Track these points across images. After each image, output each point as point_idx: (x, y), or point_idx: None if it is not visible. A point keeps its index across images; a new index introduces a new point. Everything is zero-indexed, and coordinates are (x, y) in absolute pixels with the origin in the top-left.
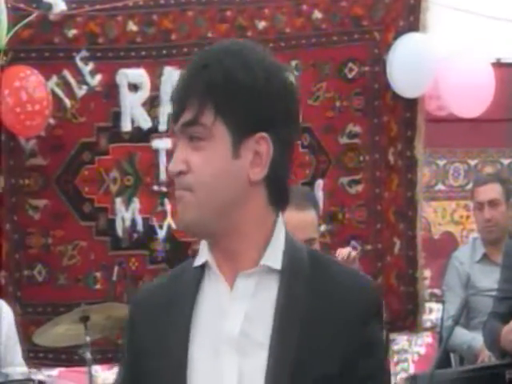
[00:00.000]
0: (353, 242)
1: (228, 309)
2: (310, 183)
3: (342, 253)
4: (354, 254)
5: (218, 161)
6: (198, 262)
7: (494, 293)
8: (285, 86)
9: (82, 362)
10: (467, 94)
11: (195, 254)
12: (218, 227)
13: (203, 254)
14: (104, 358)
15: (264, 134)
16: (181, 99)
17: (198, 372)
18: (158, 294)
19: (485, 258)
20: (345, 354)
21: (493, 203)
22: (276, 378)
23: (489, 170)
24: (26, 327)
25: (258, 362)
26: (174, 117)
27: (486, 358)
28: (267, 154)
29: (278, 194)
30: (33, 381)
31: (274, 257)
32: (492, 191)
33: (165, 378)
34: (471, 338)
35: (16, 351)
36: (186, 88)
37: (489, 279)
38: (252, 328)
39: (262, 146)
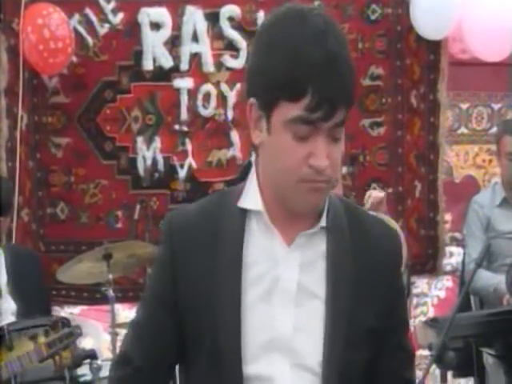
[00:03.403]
0: (373, 185)
1: (282, 259)
2: None
3: (376, 194)
4: (381, 195)
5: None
6: (246, 204)
7: None
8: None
9: (103, 301)
10: (491, 37)
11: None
12: None
13: (253, 201)
14: (125, 297)
15: None
16: (333, 102)
17: (253, 315)
18: (200, 225)
19: (505, 201)
20: (386, 303)
21: None
22: (334, 328)
23: None
24: (49, 265)
25: (313, 312)
26: (326, 117)
27: (507, 301)
28: None
29: None
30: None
31: (323, 217)
32: None
33: (218, 315)
34: (498, 281)
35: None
36: (337, 90)
37: (509, 223)
38: (307, 279)
39: None
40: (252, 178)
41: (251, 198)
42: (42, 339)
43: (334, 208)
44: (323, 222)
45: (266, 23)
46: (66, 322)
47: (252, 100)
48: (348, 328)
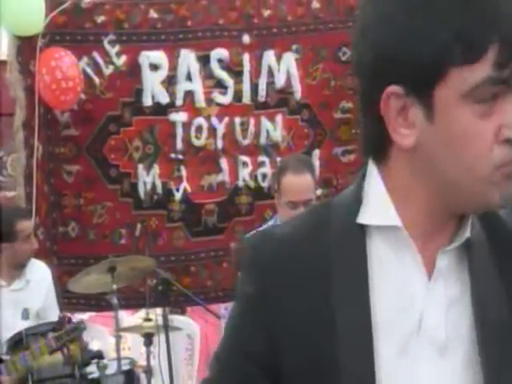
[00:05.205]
0: None
1: (423, 294)
2: (308, 153)
3: None
4: None
5: None
6: (373, 220)
7: None
8: None
9: (108, 308)
10: None
11: (208, 214)
12: None
13: (382, 215)
14: (128, 304)
15: None
16: None
17: (388, 374)
18: (303, 254)
19: None
20: None
21: None
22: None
23: None
24: (61, 277)
25: (463, 363)
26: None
27: None
28: None
29: None
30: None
31: (467, 220)
32: None
33: (345, 379)
34: None
35: (53, 307)
36: None
37: None
38: (454, 321)
39: None
40: (374, 188)
41: (379, 211)
42: (50, 334)
43: None
44: (467, 231)
45: None
46: (70, 320)
47: (392, 88)
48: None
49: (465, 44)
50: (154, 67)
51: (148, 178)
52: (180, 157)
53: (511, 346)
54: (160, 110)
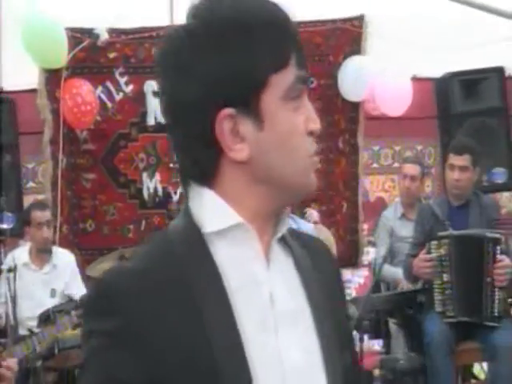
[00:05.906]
0: (312, 205)
1: (264, 278)
2: None
3: (312, 213)
4: (315, 213)
5: None
6: (217, 225)
7: (409, 240)
8: None
9: None
10: (393, 99)
11: None
12: None
13: (225, 219)
14: None
15: None
16: (302, 47)
17: (256, 351)
18: (157, 279)
19: (403, 216)
20: (342, 311)
21: (413, 178)
22: (329, 343)
23: (408, 153)
24: (81, 264)
25: (307, 329)
26: (306, 67)
27: (405, 286)
28: None
29: None
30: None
31: (284, 214)
32: (414, 169)
33: (219, 365)
34: (394, 272)
35: (77, 281)
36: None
37: (406, 231)
38: (295, 295)
39: None
40: (207, 203)
41: (218, 218)
42: (73, 312)
43: None
44: (287, 222)
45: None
46: None
47: (225, 112)
48: (338, 339)
49: (277, 57)
50: (157, 93)
51: (151, 184)
52: (177, 166)
53: (328, 324)
54: (161, 128)
